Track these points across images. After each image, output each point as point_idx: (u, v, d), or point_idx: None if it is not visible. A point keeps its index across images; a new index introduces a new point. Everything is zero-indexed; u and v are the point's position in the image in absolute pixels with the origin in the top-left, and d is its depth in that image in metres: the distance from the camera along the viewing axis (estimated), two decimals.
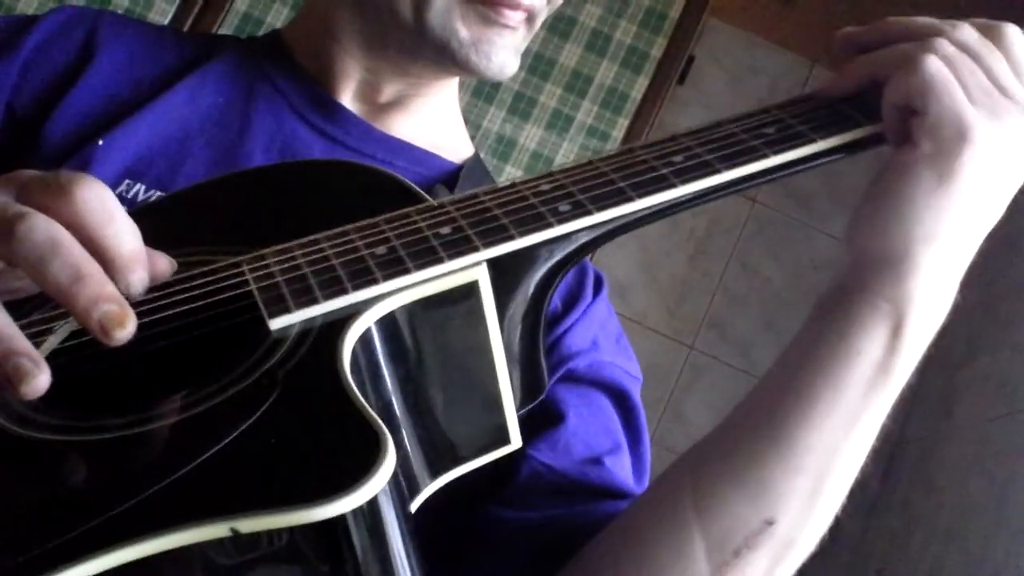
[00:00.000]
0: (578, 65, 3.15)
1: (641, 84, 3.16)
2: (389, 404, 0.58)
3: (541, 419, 0.84)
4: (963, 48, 0.64)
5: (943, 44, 0.63)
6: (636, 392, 0.92)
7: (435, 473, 0.62)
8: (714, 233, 3.25)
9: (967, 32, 0.64)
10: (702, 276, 3.23)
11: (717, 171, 0.63)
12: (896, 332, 0.64)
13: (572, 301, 0.91)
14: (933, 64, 0.62)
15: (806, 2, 3.20)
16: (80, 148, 0.83)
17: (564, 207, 0.62)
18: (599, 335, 0.91)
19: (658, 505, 0.71)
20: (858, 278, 0.66)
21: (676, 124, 3.24)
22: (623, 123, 3.13)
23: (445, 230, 0.61)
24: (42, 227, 0.51)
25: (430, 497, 0.62)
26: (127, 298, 0.52)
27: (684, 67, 3.24)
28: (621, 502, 0.81)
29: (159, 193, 0.83)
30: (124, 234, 0.53)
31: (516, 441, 0.65)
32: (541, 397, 0.67)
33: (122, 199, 0.81)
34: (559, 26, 3.11)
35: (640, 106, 3.15)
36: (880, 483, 2.61)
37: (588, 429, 0.86)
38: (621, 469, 0.86)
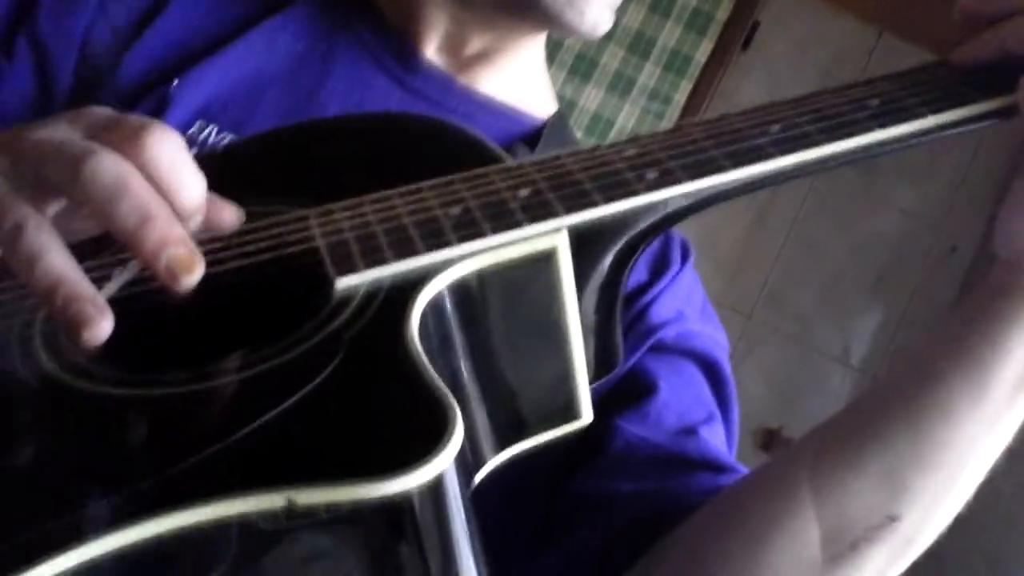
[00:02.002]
0: (642, 26, 3.10)
1: (705, 47, 3.12)
2: (457, 373, 0.56)
3: (631, 391, 0.82)
4: None
5: None
6: (725, 361, 0.90)
7: (501, 446, 0.60)
8: (775, 203, 3.21)
9: None
10: (761, 246, 3.20)
11: (817, 143, 0.59)
12: None
13: (658, 270, 0.89)
14: None
15: None
16: (155, 88, 0.82)
17: (652, 174, 0.58)
18: (685, 305, 0.89)
19: (773, 485, 0.68)
20: (1017, 276, 0.63)
21: (737, 90, 3.19)
22: (686, 86, 3.09)
23: (524, 192, 0.58)
24: (110, 166, 0.49)
25: (512, 472, 0.60)
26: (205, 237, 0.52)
27: (749, 32, 3.18)
28: (719, 475, 0.78)
29: (231, 136, 0.82)
30: (189, 188, 0.52)
31: (587, 416, 0.62)
32: (615, 371, 0.65)
33: (193, 141, 0.81)
34: None
35: (703, 70, 3.10)
36: None
37: (680, 400, 0.83)
38: (716, 439, 0.84)
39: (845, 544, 0.63)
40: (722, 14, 3.13)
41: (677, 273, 0.90)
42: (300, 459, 0.44)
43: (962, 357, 0.63)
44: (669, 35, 3.10)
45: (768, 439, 3.01)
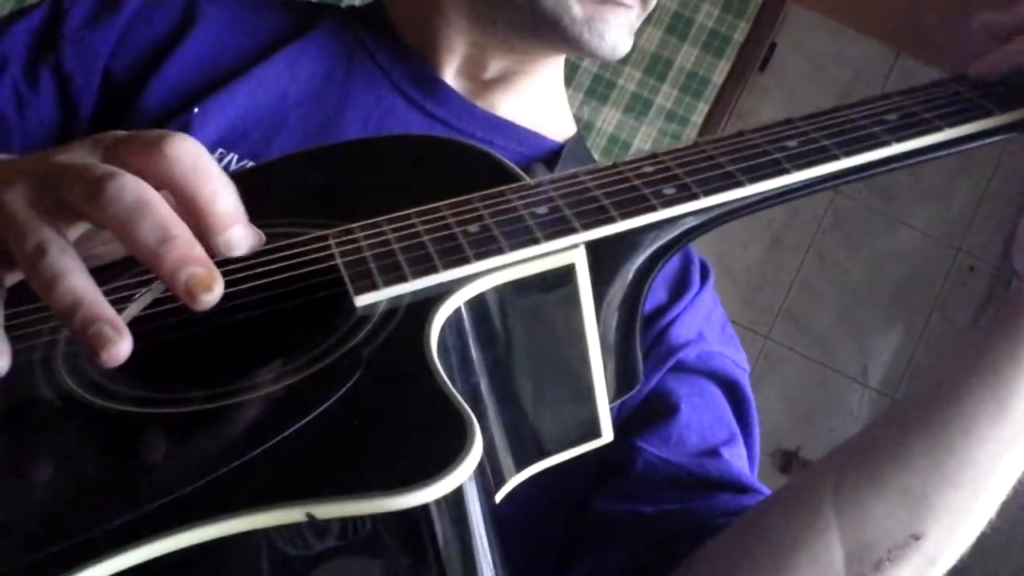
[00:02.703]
0: (658, 48, 3.10)
1: (722, 69, 3.11)
2: (476, 390, 0.56)
3: (652, 412, 0.82)
4: None
5: None
6: (746, 382, 0.89)
7: (521, 464, 0.59)
8: (792, 223, 3.19)
9: None
10: (779, 266, 3.18)
11: (834, 157, 0.59)
12: None
13: (678, 291, 0.88)
14: None
15: None
16: (176, 115, 0.82)
17: (669, 190, 0.58)
18: (705, 326, 0.89)
19: (796, 505, 0.68)
20: None
21: (755, 112, 3.19)
22: (703, 108, 3.08)
23: (542, 210, 0.58)
24: (131, 187, 0.49)
25: (535, 494, 0.60)
26: (225, 258, 0.51)
27: (766, 54, 3.18)
28: (742, 495, 0.78)
29: (251, 164, 0.82)
30: (219, 191, 0.52)
31: (607, 435, 0.62)
32: (635, 390, 0.64)
33: None
34: None
35: (720, 91, 3.10)
36: None
37: (702, 420, 0.83)
38: (738, 460, 0.83)
39: (869, 564, 0.63)
40: (739, 36, 3.13)
41: (697, 294, 0.89)
42: (319, 473, 0.44)
43: (982, 374, 0.63)
44: (686, 57, 3.10)
45: (786, 461, 2.99)
